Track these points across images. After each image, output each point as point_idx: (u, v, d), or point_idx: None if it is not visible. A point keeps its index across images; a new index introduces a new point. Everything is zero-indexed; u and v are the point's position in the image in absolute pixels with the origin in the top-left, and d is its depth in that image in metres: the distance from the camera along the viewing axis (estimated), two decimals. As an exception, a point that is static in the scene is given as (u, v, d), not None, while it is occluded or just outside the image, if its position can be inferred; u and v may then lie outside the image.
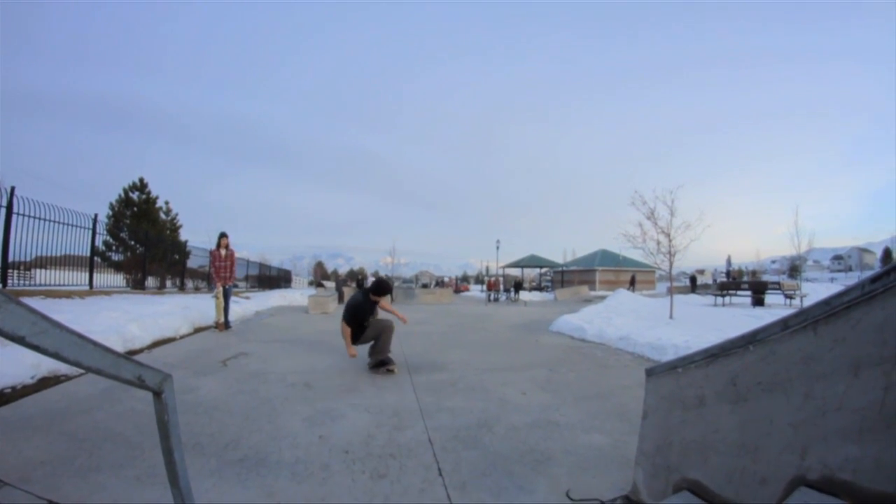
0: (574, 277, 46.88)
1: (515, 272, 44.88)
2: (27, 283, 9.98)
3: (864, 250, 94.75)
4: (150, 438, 2.89)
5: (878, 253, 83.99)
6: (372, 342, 5.55)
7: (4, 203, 8.46)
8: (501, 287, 32.54)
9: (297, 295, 19.71)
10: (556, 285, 43.82)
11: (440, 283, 63.42)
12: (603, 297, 22.18)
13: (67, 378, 4.37)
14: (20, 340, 1.13)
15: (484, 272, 74.01)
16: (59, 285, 10.19)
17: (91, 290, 10.86)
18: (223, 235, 9.18)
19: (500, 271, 45.31)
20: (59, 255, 10.39)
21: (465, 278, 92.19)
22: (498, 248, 41.59)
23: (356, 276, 30.26)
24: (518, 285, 32.21)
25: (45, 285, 9.84)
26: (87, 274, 11.45)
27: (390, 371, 5.30)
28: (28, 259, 9.64)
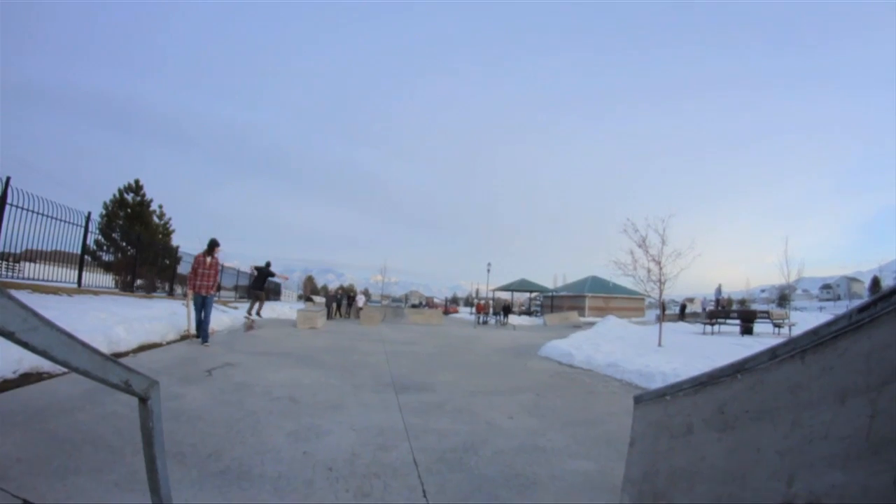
0: (564, 303, 46.85)
1: (505, 296, 44.78)
2: (15, 275, 9.82)
3: (852, 279, 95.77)
4: (131, 443, 2.84)
5: (867, 282, 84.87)
6: None
7: None
8: (491, 310, 32.45)
9: (286, 308, 19.54)
10: (546, 310, 43.73)
11: (430, 304, 63.16)
12: (592, 324, 22.20)
13: (50, 376, 4.28)
14: (9, 336, 1.12)
15: (474, 294, 73.98)
16: (48, 280, 10.01)
17: (79, 289, 10.70)
18: (215, 244, 8.81)
19: (490, 294, 45.26)
20: (49, 249, 10.27)
21: (455, 300, 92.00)
22: (489, 271, 41.66)
23: (347, 293, 30.05)
24: (507, 309, 32.13)
25: (33, 279, 9.68)
26: (77, 272, 11.30)
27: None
28: (17, 251, 9.53)
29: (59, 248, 10.57)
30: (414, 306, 50.88)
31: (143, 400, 1.63)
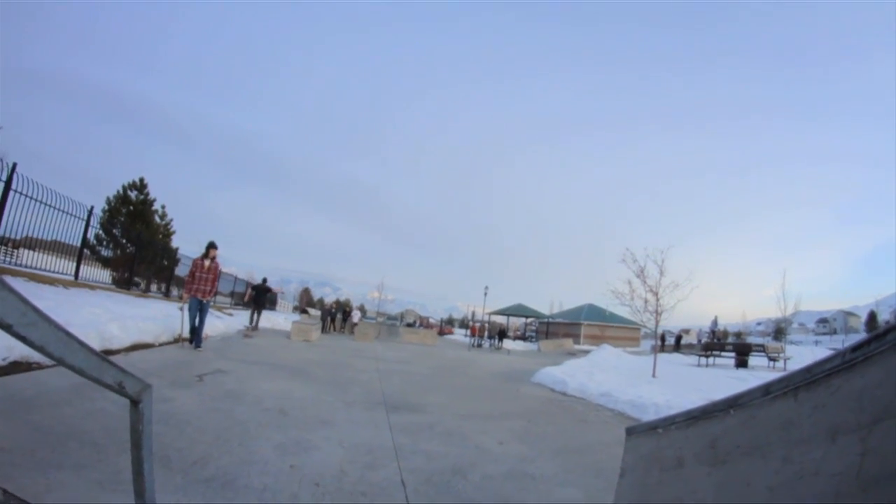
0: (559, 330, 46.69)
1: (501, 320, 44.66)
2: (13, 261, 9.78)
3: (849, 314, 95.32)
4: (117, 442, 2.80)
5: (864, 316, 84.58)
6: None
7: (4, 178, 8.39)
8: (486, 333, 32.32)
9: (281, 319, 19.43)
10: (541, 336, 43.65)
11: (425, 324, 62.85)
12: (587, 352, 22.13)
13: (40, 366, 4.24)
14: (7, 328, 1.12)
15: (469, 317, 73.60)
16: (45, 270, 9.95)
17: (76, 282, 10.61)
18: (212, 246, 8.72)
19: (486, 317, 45.12)
20: (48, 239, 10.22)
21: (451, 321, 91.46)
22: (486, 294, 41.58)
23: (343, 307, 29.97)
24: (502, 333, 32.03)
25: (31, 267, 9.60)
26: (75, 264, 11.25)
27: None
28: (17, 237, 9.50)
29: (58, 239, 10.55)
30: (409, 325, 50.67)
31: (135, 402, 1.63)
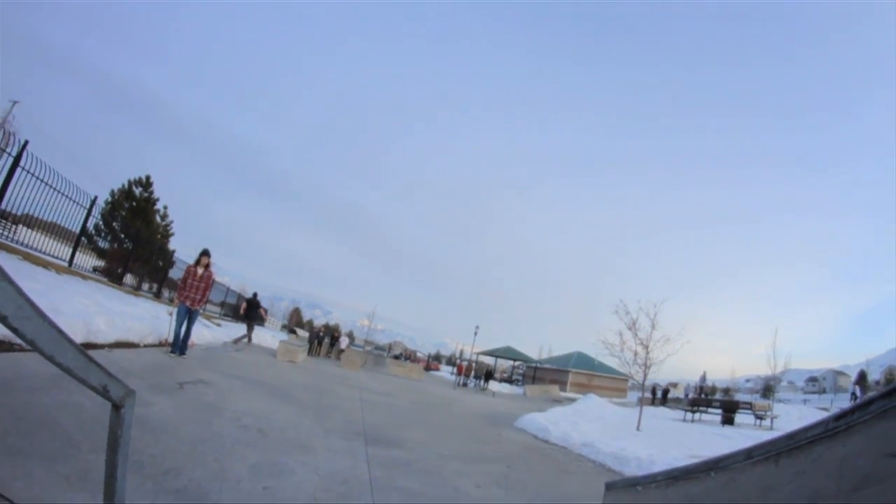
0: (546, 375, 46.20)
1: (489, 360, 44.19)
2: (10, 236, 9.74)
3: (839, 373, 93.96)
4: (90, 439, 2.74)
5: (853, 376, 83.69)
6: None
7: (14, 153, 8.45)
8: (472, 373, 31.97)
9: (269, 336, 19.19)
10: (528, 380, 43.20)
11: (412, 358, 62.19)
12: (573, 400, 21.88)
13: (21, 349, 4.12)
14: (2, 320, 1.14)
15: (457, 355, 72.84)
16: (40, 251, 9.90)
17: (69, 268, 10.52)
18: (205, 254, 8.57)
19: (474, 357, 44.68)
20: (48, 220, 10.22)
21: (438, 357, 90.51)
22: (475, 333, 41.34)
23: (332, 332, 29.74)
24: (489, 374, 31.70)
25: (27, 246, 9.58)
26: (71, 250, 11.21)
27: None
28: (17, 213, 9.52)
29: (58, 222, 10.58)
30: (396, 357, 50.06)
31: (116, 407, 1.62)
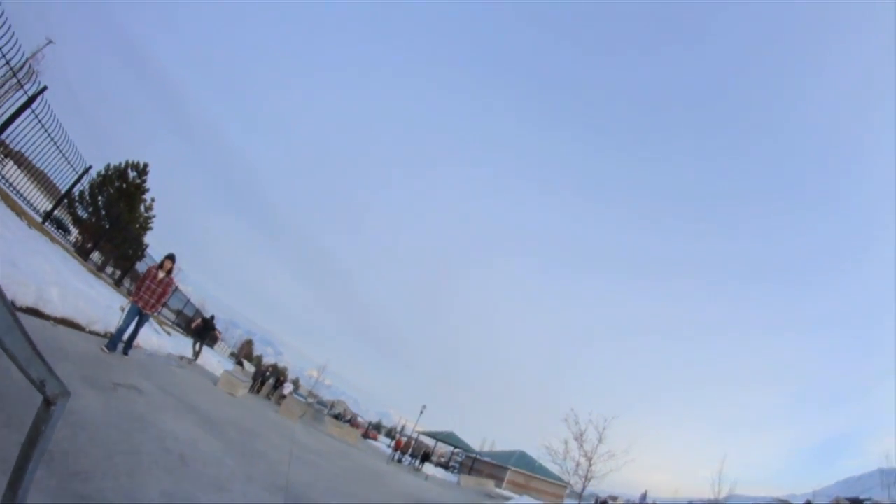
0: (484, 468, 44.65)
1: (429, 441, 42.77)
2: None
3: (783, 502, 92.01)
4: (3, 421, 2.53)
5: None
6: None
7: (30, 93, 8.37)
8: (410, 451, 30.74)
9: (215, 361, 18.26)
10: (465, 469, 41.82)
11: (352, 421, 59.66)
12: (507, 499, 21.10)
13: None
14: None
15: (399, 428, 70.40)
16: (21, 196, 9.69)
17: (41, 225, 10.12)
18: (170, 258, 8.19)
19: (415, 434, 43.26)
20: (38, 167, 10.16)
21: (378, 427, 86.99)
22: (422, 412, 40.61)
23: (278, 374, 28.65)
24: (426, 456, 30.52)
25: (10, 185, 9.41)
26: (50, 208, 10.98)
27: None
28: (13, 148, 9.42)
29: (47, 174, 10.43)
30: (336, 416, 48.08)
31: (48, 403, 1.57)
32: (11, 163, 10.04)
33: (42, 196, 10.98)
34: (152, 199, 19.73)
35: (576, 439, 12.47)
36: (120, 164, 18.43)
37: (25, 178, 10.18)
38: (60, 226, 13.24)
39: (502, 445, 57.91)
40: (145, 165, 19.14)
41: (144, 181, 19.09)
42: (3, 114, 8.26)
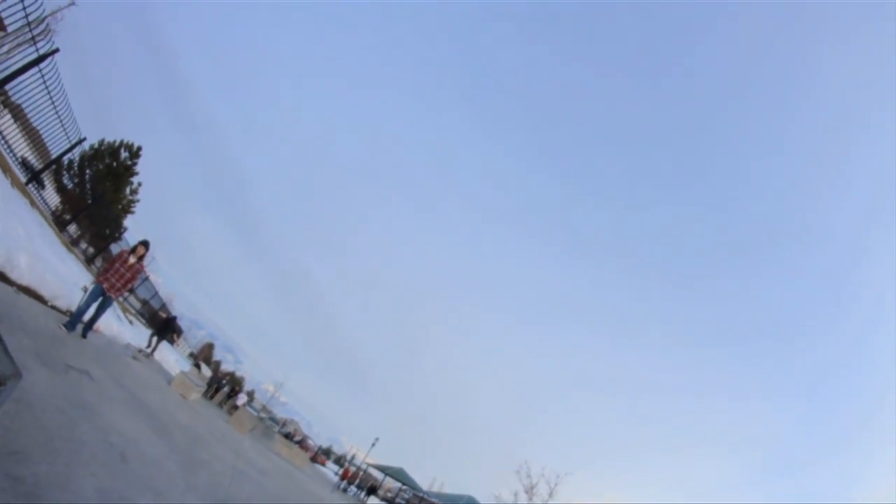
0: (429, 511, 43.31)
1: (378, 475, 41.64)
2: None
3: None
4: None
5: None
6: None
7: (41, 53, 8.28)
8: (357, 482, 29.86)
9: (172, 359, 17.66)
10: (410, 509, 40.52)
11: (302, 443, 57.85)
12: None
13: None
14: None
15: (348, 457, 68.49)
16: (10, 150, 9.58)
17: (24, 186, 9.91)
18: (144, 244, 8.00)
19: (364, 466, 42.12)
20: (34, 125, 10.10)
21: (328, 452, 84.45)
22: (374, 445, 39.76)
23: (234, 384, 27.88)
24: (373, 489, 29.76)
25: (2, 136, 9.28)
26: (36, 171, 10.90)
27: None
28: (15, 102, 9.38)
29: (42, 134, 10.29)
30: (286, 436, 46.67)
31: None
32: (8, 115, 9.90)
33: (32, 156, 10.83)
34: (139, 184, 19.48)
35: (526, 492, 12.33)
36: (114, 142, 18.21)
37: (19, 135, 10.03)
38: (41, 186, 12.96)
39: (452, 488, 56.33)
40: (139, 148, 18.90)
41: (135, 164, 18.85)
42: (11, 65, 8.23)
